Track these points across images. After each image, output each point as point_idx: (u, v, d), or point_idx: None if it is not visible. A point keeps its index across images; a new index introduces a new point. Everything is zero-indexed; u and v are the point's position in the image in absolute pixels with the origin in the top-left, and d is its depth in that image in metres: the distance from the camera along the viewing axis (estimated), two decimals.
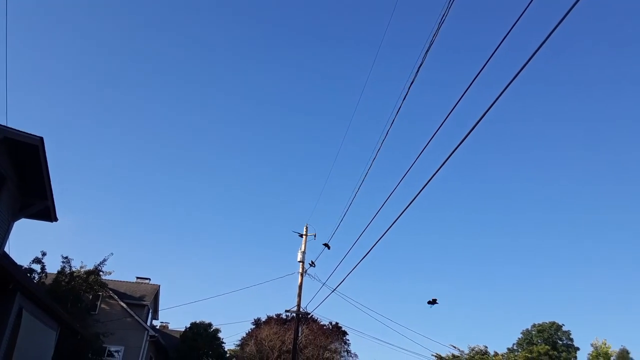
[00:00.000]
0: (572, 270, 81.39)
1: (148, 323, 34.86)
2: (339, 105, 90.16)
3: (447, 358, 39.32)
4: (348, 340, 41.13)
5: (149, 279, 38.99)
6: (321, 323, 39.16)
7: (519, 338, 56.62)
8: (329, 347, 38.25)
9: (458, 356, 38.50)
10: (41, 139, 11.97)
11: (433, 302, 15.22)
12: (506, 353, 44.58)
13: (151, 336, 33.09)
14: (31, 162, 12.14)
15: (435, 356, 40.05)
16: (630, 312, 72.38)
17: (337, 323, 40.19)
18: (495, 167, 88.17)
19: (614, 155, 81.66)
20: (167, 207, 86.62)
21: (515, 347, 54.80)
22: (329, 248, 22.04)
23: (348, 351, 41.07)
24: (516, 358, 38.72)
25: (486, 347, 39.48)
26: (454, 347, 39.12)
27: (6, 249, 13.44)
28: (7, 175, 11.85)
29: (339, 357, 39.84)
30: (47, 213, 13.28)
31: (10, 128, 10.90)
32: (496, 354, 38.78)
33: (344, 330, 40.54)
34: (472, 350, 39.06)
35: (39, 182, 12.58)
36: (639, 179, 78.97)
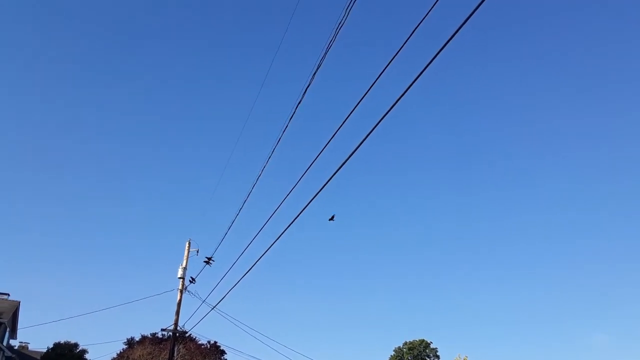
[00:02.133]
0: (436, 289, 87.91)
1: (4, 343, 31.65)
2: (231, 108, 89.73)
3: None
4: (226, 359, 40.60)
5: (8, 295, 35.46)
6: (199, 342, 38.24)
7: (391, 355, 59.71)
8: None
9: None
10: None
11: (332, 218, 16.14)
12: None
13: (7, 357, 30.10)
14: None
15: None
16: (495, 326, 79.82)
17: (215, 342, 39.52)
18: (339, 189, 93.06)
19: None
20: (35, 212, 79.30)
21: None
22: (209, 264, 21.99)
23: None
24: None
25: None
26: None
27: None
28: None
29: None
30: None
31: None
32: None
33: (222, 350, 39.97)
34: None
35: None
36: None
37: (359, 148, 8.38)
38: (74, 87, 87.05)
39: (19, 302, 34.96)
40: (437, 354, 58.65)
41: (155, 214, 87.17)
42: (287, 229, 11.88)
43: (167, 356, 27.03)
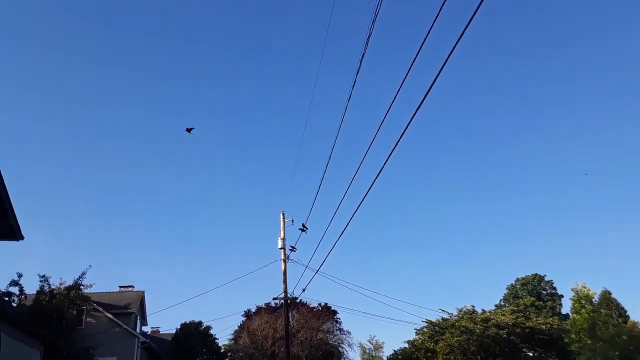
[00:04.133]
0: (547, 219, 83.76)
1: (137, 330, 34.62)
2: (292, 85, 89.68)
3: (436, 322, 40.16)
4: (339, 319, 41.59)
5: (133, 287, 38.58)
6: (311, 306, 39.46)
7: (504, 294, 58.13)
8: (321, 328, 38.61)
9: (447, 319, 39.36)
10: None
11: (189, 130, 17.31)
12: (494, 310, 45.81)
13: (142, 342, 32.90)
14: None
15: (425, 322, 40.94)
16: (609, 255, 75.22)
17: (326, 304, 40.56)
18: (461, 132, 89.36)
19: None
20: (138, 211, 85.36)
21: (502, 303, 56.31)
22: (305, 231, 22.13)
23: (340, 329, 41.55)
24: (504, 313, 39.69)
25: (473, 306, 40.46)
26: (443, 310, 40.01)
27: None
28: None
29: (332, 336, 40.28)
30: (12, 232, 12.92)
31: None
32: (484, 312, 39.75)
33: (334, 310, 40.96)
34: (460, 311, 39.98)
35: None
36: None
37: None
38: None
39: (144, 292, 37.94)
40: (553, 285, 56.23)
41: (244, 193, 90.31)
42: (375, 180, 11.34)
43: (283, 323, 28.08)
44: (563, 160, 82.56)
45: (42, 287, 26.85)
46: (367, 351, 50.30)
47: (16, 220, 12.84)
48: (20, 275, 26.14)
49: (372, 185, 11.73)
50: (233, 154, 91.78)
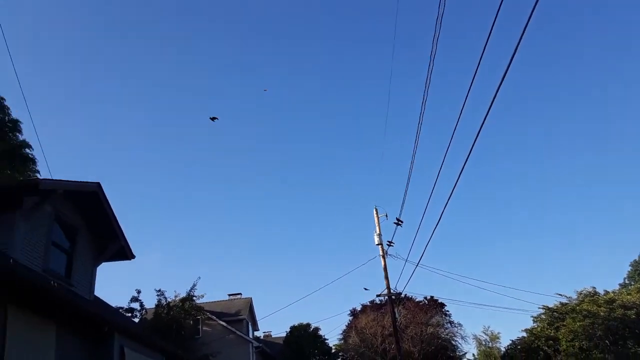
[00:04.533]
0: None
1: (250, 335, 35.81)
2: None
3: (555, 308, 37.39)
4: (448, 311, 40.24)
5: (240, 294, 40.03)
6: (416, 300, 38.54)
7: (628, 271, 53.12)
8: (430, 323, 37.56)
9: (566, 304, 36.51)
10: (98, 184, 12.36)
11: (213, 119, 16.51)
12: (618, 290, 41.82)
13: (256, 347, 33.96)
14: (96, 207, 12.56)
15: (542, 308, 38.24)
16: None
17: (432, 297, 39.42)
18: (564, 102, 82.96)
19: None
20: (230, 220, 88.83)
21: (626, 282, 51.47)
22: (400, 224, 21.47)
23: (451, 322, 40.18)
24: (630, 292, 36.03)
25: (594, 288, 37.22)
26: (561, 295, 37.21)
27: (102, 296, 14.05)
28: (77, 225, 12.33)
29: (442, 330, 39.02)
30: (123, 252, 13.74)
31: (66, 181, 11.28)
32: (607, 293, 36.35)
33: (442, 303, 39.69)
34: (580, 294, 36.95)
35: (108, 225, 13.00)
36: None
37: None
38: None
39: (251, 298, 39.27)
40: None
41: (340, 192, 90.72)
42: (465, 162, 10.53)
43: (390, 319, 27.55)
44: None
45: (159, 301, 28.54)
46: (483, 343, 48.06)
47: (126, 241, 13.61)
48: (139, 292, 28.01)
49: (463, 168, 10.93)
50: (322, 153, 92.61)
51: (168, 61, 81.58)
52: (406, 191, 19.25)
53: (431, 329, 37.02)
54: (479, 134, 9.43)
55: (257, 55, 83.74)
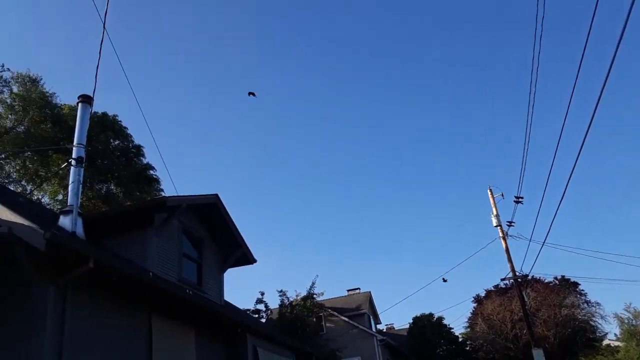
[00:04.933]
0: None
1: (373, 329, 35.91)
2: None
3: None
4: (583, 290, 37.18)
5: (359, 288, 40.29)
6: (546, 281, 36.13)
7: None
8: (563, 304, 35.00)
9: None
10: (216, 195, 13.05)
11: (251, 94, 15.44)
12: None
13: (380, 340, 33.98)
14: (216, 217, 13.27)
15: None
16: None
17: (563, 276, 36.71)
18: None
19: None
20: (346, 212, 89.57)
21: None
22: (520, 202, 20.19)
23: (587, 302, 37.06)
24: None
25: None
26: None
27: (228, 299, 14.85)
28: (202, 235, 13.11)
29: (579, 310, 36.15)
30: (246, 258, 14.42)
31: (189, 196, 12.07)
32: None
33: (574, 282, 36.81)
34: None
35: (229, 233, 13.69)
36: None
37: None
38: None
39: (370, 292, 39.35)
40: None
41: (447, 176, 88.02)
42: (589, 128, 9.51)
43: (519, 304, 26.11)
44: None
45: (282, 301, 29.58)
46: (626, 321, 43.77)
47: (247, 247, 14.27)
48: (262, 294, 29.27)
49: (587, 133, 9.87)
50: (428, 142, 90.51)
51: (290, 72, 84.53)
52: (523, 165, 18.03)
53: (566, 311, 34.49)
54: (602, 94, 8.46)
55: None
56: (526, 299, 30.99)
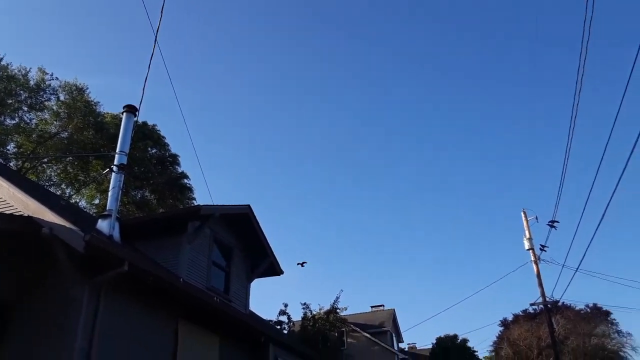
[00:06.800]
0: None
1: (395, 347, 35.53)
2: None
3: None
4: (614, 320, 36.02)
5: (383, 305, 39.97)
6: (577, 309, 35.17)
7: None
8: (594, 333, 33.96)
9: None
10: (248, 206, 13.33)
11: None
12: None
13: (401, 359, 33.58)
14: (247, 228, 13.53)
15: None
16: None
17: (595, 304, 35.65)
18: None
19: None
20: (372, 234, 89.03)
21: None
22: (554, 227, 19.83)
23: (618, 332, 35.88)
24: None
25: None
26: None
27: (252, 309, 15.05)
28: (233, 245, 13.38)
29: (608, 340, 35.01)
30: (273, 269, 14.61)
31: (222, 205, 12.38)
32: None
33: (606, 310, 35.70)
34: None
35: (258, 244, 13.91)
36: None
37: None
38: None
39: (394, 310, 39.00)
40: None
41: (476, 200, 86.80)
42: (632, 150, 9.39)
43: (547, 330, 25.49)
44: None
45: (305, 314, 29.59)
46: None
47: (275, 258, 14.46)
48: (286, 305, 29.32)
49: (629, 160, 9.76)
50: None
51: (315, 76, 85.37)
52: (560, 188, 17.74)
53: (595, 340, 33.48)
54: None
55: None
56: (555, 326, 30.24)
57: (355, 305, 69.98)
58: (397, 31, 78.43)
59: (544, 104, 78.58)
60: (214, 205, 12.28)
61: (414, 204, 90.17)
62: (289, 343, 15.01)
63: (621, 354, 35.47)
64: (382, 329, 35.57)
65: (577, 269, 19.46)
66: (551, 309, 25.71)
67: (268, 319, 27.45)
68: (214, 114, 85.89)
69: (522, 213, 23.15)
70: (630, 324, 61.65)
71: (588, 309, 35.39)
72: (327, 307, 29.53)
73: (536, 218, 22.27)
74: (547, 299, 22.46)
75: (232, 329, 11.49)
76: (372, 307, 40.23)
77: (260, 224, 13.76)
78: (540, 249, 22.04)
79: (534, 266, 22.26)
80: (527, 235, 22.67)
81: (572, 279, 42.88)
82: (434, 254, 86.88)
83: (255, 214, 13.52)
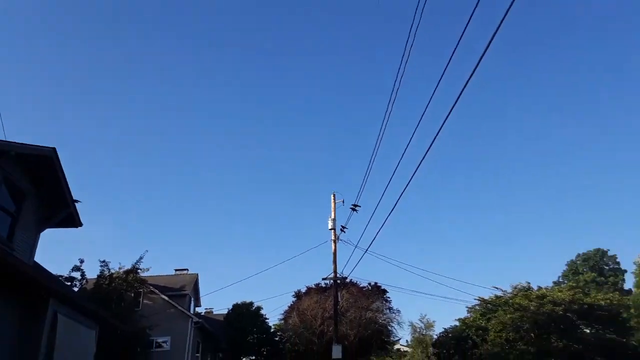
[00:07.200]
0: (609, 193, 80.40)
1: (191, 311, 35.69)
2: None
3: (489, 300, 39.38)
4: (389, 298, 41.39)
5: (187, 270, 39.72)
6: (361, 285, 39.40)
7: (564, 270, 56.35)
8: (370, 308, 38.54)
9: (501, 296, 38.51)
10: (53, 149, 12.03)
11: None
12: (551, 287, 44.39)
13: (195, 322, 33.91)
14: (48, 173, 12.22)
15: (478, 299, 40.18)
16: None
17: (376, 283, 40.44)
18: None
19: None
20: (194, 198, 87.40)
21: (560, 280, 54.55)
22: (356, 210, 21.99)
23: (390, 308, 41.37)
24: (561, 290, 38.30)
25: (529, 283, 39.38)
26: (497, 288, 39.18)
27: (38, 260, 13.71)
28: (26, 190, 11.98)
29: (381, 315, 40.18)
30: (72, 220, 13.47)
31: (20, 143, 10.93)
32: (540, 289, 38.56)
33: (384, 289, 40.81)
34: (515, 288, 39.02)
35: (59, 192, 12.70)
36: None
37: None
38: None
39: (197, 274, 39.06)
40: (617, 260, 53.87)
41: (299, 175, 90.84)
42: (423, 159, 11.03)
43: (332, 302, 28.21)
44: None
45: (102, 272, 27.94)
46: (418, 330, 50.10)
47: (75, 209, 13.34)
48: (82, 261, 27.28)
49: (422, 160, 11.41)
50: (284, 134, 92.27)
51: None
52: (366, 176, 19.70)
53: (370, 314, 37.97)
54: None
55: None
56: (340, 299, 33.64)
57: (161, 268, 68.11)
58: None
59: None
60: (9, 141, 10.82)
61: (229, 173, 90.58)
62: (73, 299, 14.03)
63: (389, 327, 41.05)
64: (182, 292, 35.36)
65: (366, 250, 21.93)
66: (339, 284, 28.58)
67: (59, 274, 25.28)
68: None
69: (332, 195, 25.11)
70: (400, 302, 72.05)
71: (369, 287, 39.94)
72: (128, 266, 28.32)
73: (342, 201, 24.35)
74: (338, 275, 24.94)
75: (8, 280, 10.28)
76: (176, 270, 39.68)
77: (65, 172, 12.56)
78: (341, 229, 24.26)
79: (333, 244, 24.45)
80: (332, 216, 24.72)
81: (360, 258, 47.85)
82: (244, 229, 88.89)
83: (60, 159, 12.27)
